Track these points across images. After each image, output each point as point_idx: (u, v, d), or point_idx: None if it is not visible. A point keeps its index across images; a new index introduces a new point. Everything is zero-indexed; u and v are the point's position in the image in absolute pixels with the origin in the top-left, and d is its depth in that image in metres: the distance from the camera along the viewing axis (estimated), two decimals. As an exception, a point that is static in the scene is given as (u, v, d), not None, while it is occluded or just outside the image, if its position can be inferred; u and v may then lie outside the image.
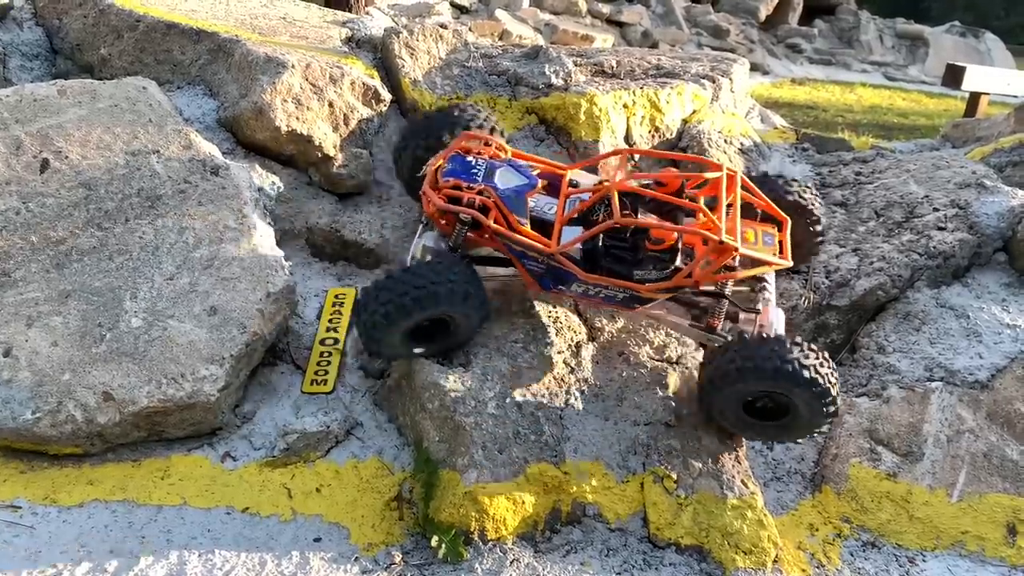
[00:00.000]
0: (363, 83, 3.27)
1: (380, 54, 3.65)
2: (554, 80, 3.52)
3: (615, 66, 3.87)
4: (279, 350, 2.81)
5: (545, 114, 3.47)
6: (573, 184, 2.68)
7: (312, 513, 2.41)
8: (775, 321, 2.57)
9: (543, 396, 2.59)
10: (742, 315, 2.62)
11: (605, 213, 2.52)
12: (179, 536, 2.29)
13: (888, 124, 9.83)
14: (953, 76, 7.37)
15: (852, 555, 2.54)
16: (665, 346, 2.83)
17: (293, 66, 3.07)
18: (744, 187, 2.54)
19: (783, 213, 2.64)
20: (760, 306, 2.62)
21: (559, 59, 3.65)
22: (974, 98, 7.39)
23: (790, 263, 2.53)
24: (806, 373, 2.31)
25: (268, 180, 3.04)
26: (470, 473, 2.39)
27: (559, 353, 2.71)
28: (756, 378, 2.36)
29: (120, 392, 2.42)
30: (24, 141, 2.77)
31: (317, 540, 2.33)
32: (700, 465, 2.52)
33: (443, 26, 3.74)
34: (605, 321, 2.86)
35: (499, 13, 9.75)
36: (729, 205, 2.49)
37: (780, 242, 2.60)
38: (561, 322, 2.79)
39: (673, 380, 2.71)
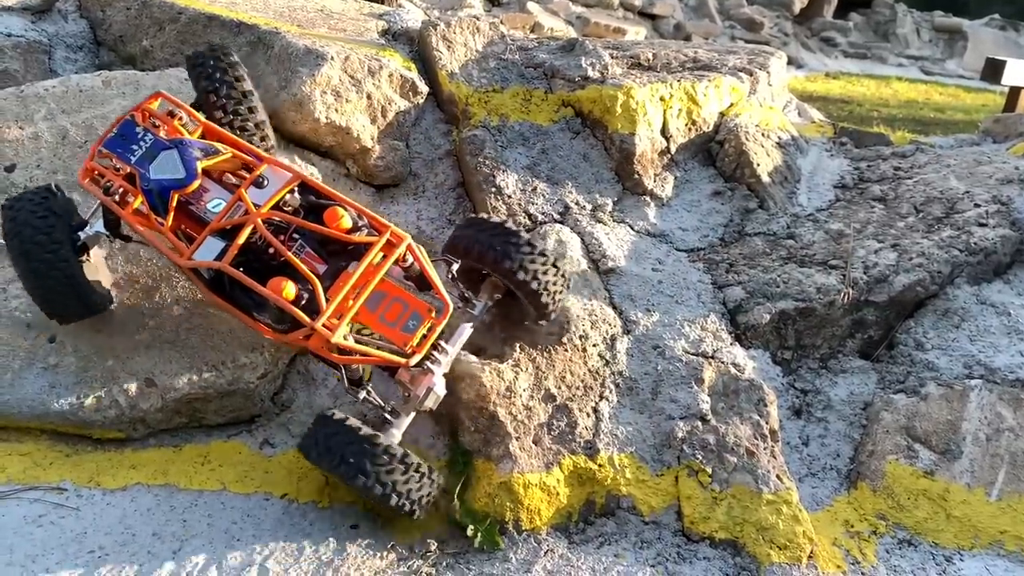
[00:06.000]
0: (401, 75, 3.29)
1: (417, 46, 3.67)
2: (590, 73, 3.51)
3: (651, 59, 3.86)
4: (317, 339, 2.84)
5: (581, 107, 3.46)
6: (259, 183, 2.30)
7: (349, 500, 2.43)
8: (428, 394, 2.30)
9: (578, 388, 2.60)
10: (401, 372, 2.32)
11: (257, 237, 2.21)
12: (220, 520, 2.33)
13: (924, 119, 9.69)
14: (992, 70, 7.23)
15: (888, 552, 2.52)
16: (701, 340, 2.82)
17: (332, 58, 3.09)
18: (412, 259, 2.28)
19: (447, 297, 2.28)
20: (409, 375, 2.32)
21: (595, 52, 3.64)
22: (1014, 92, 7.24)
23: (405, 362, 2.20)
24: (379, 488, 2.14)
25: (306, 171, 3.07)
26: (505, 463, 2.41)
27: (594, 346, 2.72)
28: (328, 466, 2.20)
29: (162, 378, 2.47)
30: (70, 131, 2.83)
31: (354, 527, 2.36)
32: (735, 460, 2.52)
33: (479, 18, 3.75)
34: (640, 314, 2.86)
35: (531, 5, 9.73)
36: (413, 273, 2.31)
37: (429, 330, 2.26)
38: (596, 315, 2.79)
39: (708, 374, 2.70)
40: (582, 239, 3.08)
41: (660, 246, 3.22)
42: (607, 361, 2.70)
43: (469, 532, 2.33)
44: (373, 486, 2.15)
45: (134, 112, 2.34)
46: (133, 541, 2.22)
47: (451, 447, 2.56)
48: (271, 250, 2.21)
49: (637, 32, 10.61)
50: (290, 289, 2.13)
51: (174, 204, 2.22)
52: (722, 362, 2.77)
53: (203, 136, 2.40)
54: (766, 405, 2.66)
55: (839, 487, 2.72)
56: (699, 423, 2.59)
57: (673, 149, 3.52)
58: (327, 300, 2.14)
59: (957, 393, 2.82)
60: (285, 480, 2.47)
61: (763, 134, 3.67)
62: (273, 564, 2.21)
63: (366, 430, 2.21)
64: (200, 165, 2.25)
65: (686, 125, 3.57)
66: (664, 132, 3.50)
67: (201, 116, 2.42)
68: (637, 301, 2.92)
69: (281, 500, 2.42)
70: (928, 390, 2.83)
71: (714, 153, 3.61)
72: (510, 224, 2.48)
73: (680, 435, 2.55)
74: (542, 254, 2.46)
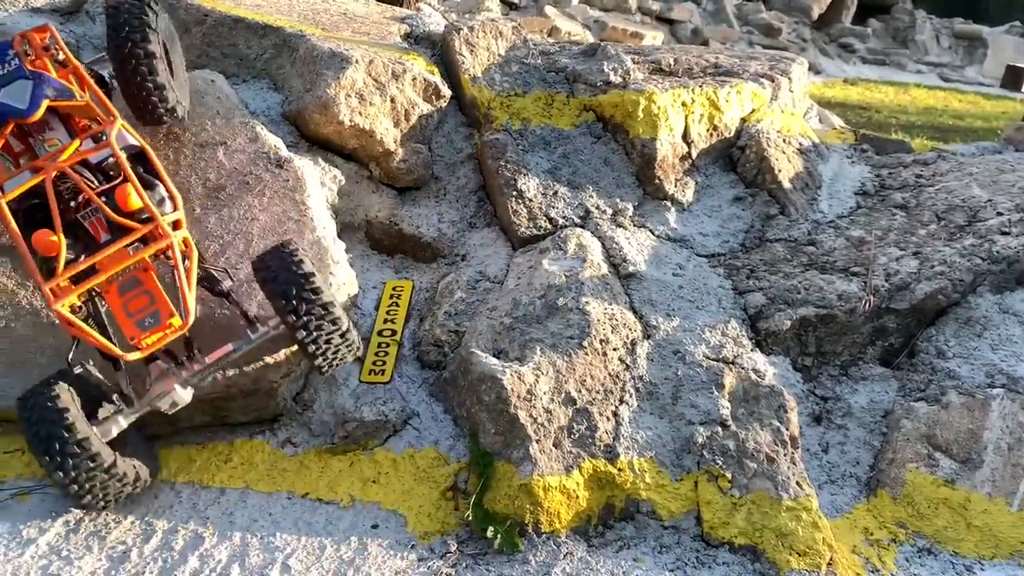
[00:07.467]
0: (424, 79, 3.31)
1: (439, 50, 3.69)
2: (612, 77, 3.52)
3: (673, 64, 3.87)
4: (338, 340, 2.86)
5: (603, 111, 3.48)
6: (97, 138, 2.34)
7: (370, 500, 2.45)
8: (164, 396, 2.27)
9: (598, 392, 2.61)
10: (154, 365, 2.32)
11: (66, 187, 2.23)
12: (241, 518, 2.35)
13: (943, 126, 9.62)
14: (1013, 77, 7.24)
15: (908, 561, 2.51)
16: (721, 346, 2.82)
17: (357, 61, 3.12)
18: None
19: (191, 308, 2.22)
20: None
21: (617, 56, 3.65)
22: (1035, 100, 7.22)
23: (121, 354, 2.18)
24: (60, 475, 2.12)
25: (330, 174, 3.09)
26: (525, 466, 2.42)
27: (614, 350, 2.72)
28: (27, 438, 2.16)
29: (187, 377, 2.49)
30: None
31: (375, 527, 2.38)
32: (755, 466, 2.52)
33: (501, 22, 3.76)
34: (661, 319, 2.87)
35: (549, 9, 9.73)
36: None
37: (164, 332, 2.21)
38: (617, 319, 2.80)
39: (729, 380, 2.70)
40: (603, 243, 3.09)
41: (681, 251, 3.22)
42: (627, 365, 2.70)
43: (489, 534, 2.33)
44: (56, 472, 2.13)
45: (16, 36, 2.41)
46: (156, 537, 2.25)
47: (471, 449, 2.57)
48: (74, 202, 2.22)
49: (655, 37, 10.60)
50: (51, 246, 2.11)
51: (8, 130, 2.29)
52: (742, 368, 2.77)
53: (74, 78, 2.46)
54: (786, 411, 2.65)
55: (859, 495, 2.71)
56: (719, 428, 2.59)
57: (694, 154, 3.53)
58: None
59: (979, 402, 2.80)
60: (307, 479, 2.49)
61: (784, 140, 3.67)
62: (295, 562, 2.23)
63: (72, 415, 2.15)
64: (46, 103, 2.28)
65: (708, 130, 3.57)
66: (686, 137, 3.51)
67: (76, 60, 2.48)
68: (657, 306, 2.92)
69: (303, 499, 2.44)
70: (949, 398, 2.82)
71: (735, 159, 3.61)
72: (307, 266, 2.32)
73: (700, 440, 2.55)
74: (333, 322, 2.32)
